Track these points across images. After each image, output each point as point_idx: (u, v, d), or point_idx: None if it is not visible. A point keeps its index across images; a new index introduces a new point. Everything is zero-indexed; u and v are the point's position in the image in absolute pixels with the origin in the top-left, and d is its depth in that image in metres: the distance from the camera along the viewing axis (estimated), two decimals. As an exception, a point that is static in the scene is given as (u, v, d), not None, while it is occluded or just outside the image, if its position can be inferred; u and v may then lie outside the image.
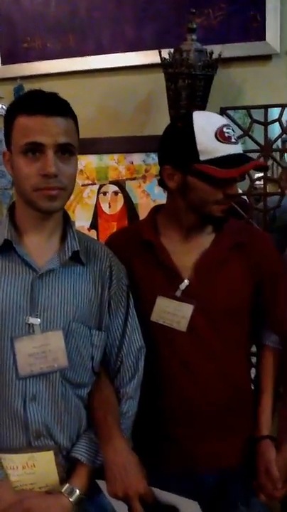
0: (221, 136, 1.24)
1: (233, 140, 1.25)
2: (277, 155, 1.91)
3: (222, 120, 1.29)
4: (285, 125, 1.83)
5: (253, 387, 1.45)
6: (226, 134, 1.24)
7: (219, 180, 1.23)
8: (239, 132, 1.85)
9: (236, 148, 1.26)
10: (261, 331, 1.43)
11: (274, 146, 1.84)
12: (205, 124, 1.26)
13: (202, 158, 1.24)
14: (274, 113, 1.85)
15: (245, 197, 1.87)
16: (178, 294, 1.32)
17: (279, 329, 1.40)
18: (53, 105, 1.17)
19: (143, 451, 1.22)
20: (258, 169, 1.41)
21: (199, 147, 1.24)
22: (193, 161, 1.24)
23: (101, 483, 1.20)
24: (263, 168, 1.39)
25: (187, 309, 1.31)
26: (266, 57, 1.89)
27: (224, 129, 1.25)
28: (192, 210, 1.30)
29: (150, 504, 1.15)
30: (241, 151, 1.30)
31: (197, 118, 1.27)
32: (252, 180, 1.85)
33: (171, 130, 1.33)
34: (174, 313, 1.32)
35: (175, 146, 1.29)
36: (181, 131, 1.28)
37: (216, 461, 1.34)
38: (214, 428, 1.33)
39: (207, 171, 1.23)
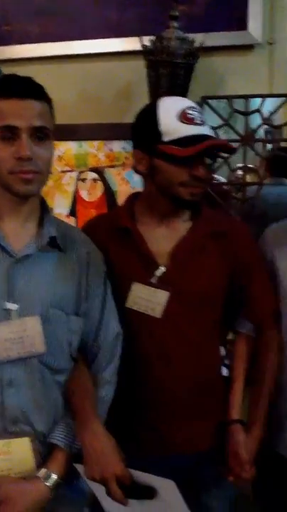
0: (184, 117, 1.26)
1: (197, 121, 1.27)
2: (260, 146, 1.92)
3: (187, 103, 1.31)
4: (265, 115, 1.84)
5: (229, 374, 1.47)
6: (190, 116, 1.26)
7: (182, 160, 1.25)
8: (220, 122, 1.86)
9: (200, 130, 1.27)
10: (235, 318, 1.45)
11: (257, 137, 1.85)
12: (169, 106, 1.28)
13: (164, 139, 1.26)
14: (257, 103, 1.85)
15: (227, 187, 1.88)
16: (154, 280, 1.33)
17: (254, 318, 1.41)
18: (27, 88, 1.16)
19: (119, 435, 1.23)
20: (226, 152, 1.41)
21: (161, 128, 1.26)
22: (157, 143, 1.26)
23: (79, 467, 1.21)
24: (229, 151, 1.39)
25: (162, 296, 1.32)
26: (248, 47, 1.90)
27: (188, 111, 1.27)
28: (162, 193, 1.31)
29: (127, 486, 1.17)
30: (209, 133, 1.30)
31: (163, 101, 1.30)
32: (232, 170, 1.86)
33: (139, 115, 1.35)
34: (149, 299, 1.33)
35: (140, 130, 1.32)
36: (146, 115, 1.31)
37: (190, 445, 1.36)
38: (188, 413, 1.35)
39: (168, 151, 1.25)
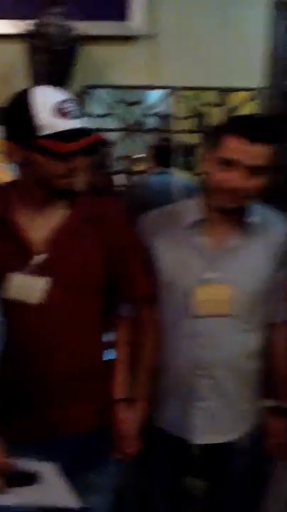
0: (59, 111, 1.25)
1: (73, 115, 1.26)
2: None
3: (62, 95, 1.30)
4: (149, 106, 1.88)
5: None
6: (65, 110, 1.25)
7: (60, 154, 1.25)
8: (104, 111, 1.87)
9: (76, 123, 1.27)
10: (118, 303, 1.47)
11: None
12: (43, 99, 1.26)
13: (40, 133, 1.24)
14: (144, 94, 1.89)
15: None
16: (32, 268, 1.31)
17: (130, 300, 1.44)
18: None
19: (2, 423, 1.21)
20: (103, 144, 1.43)
21: (37, 122, 1.24)
22: (32, 137, 1.25)
23: None
24: (104, 144, 1.41)
25: (40, 283, 1.30)
26: (130, 38, 1.92)
27: (63, 105, 1.26)
28: (38, 184, 1.30)
29: (9, 475, 1.16)
30: (85, 126, 1.31)
31: (36, 93, 1.27)
32: (116, 159, 1.88)
33: (10, 106, 1.31)
34: (28, 287, 1.31)
35: (14, 122, 1.29)
36: (19, 107, 1.27)
37: (75, 427, 1.36)
38: (70, 398, 1.35)
39: (45, 145, 1.24)
